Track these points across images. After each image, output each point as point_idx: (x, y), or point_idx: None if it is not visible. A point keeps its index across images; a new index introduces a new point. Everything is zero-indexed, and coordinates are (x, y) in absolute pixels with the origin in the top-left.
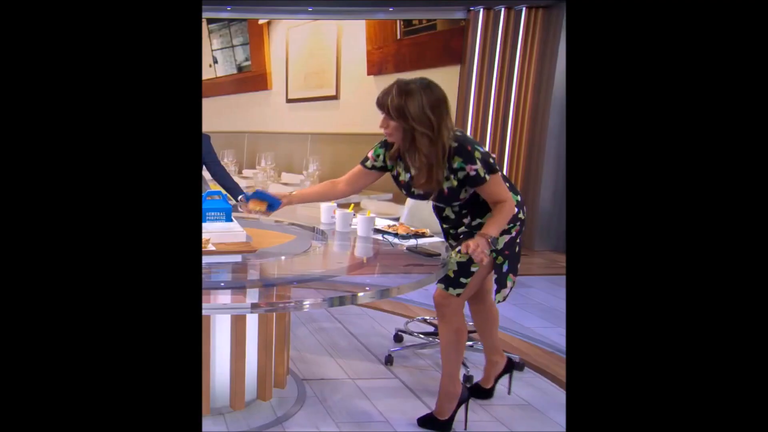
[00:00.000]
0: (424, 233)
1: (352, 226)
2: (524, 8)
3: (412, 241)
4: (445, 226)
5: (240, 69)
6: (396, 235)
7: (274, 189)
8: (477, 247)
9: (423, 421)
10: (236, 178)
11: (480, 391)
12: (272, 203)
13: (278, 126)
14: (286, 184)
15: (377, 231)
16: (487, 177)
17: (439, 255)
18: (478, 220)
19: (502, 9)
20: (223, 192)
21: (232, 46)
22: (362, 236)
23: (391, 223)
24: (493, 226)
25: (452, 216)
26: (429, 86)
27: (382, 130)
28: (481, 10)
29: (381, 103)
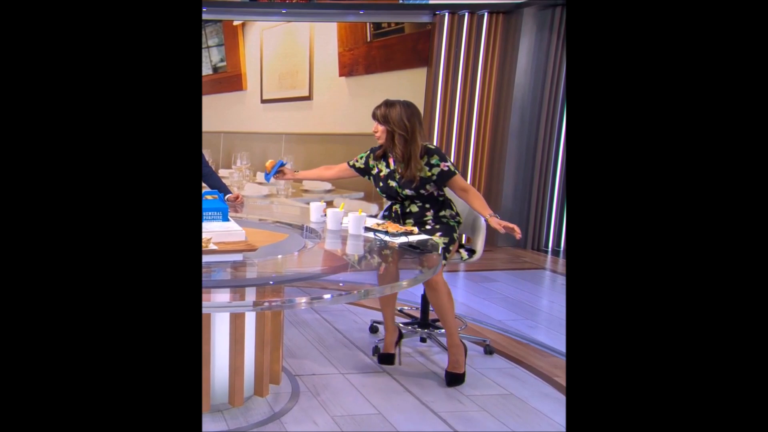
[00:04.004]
0: (412, 231)
1: (343, 225)
2: (486, 13)
3: (403, 238)
4: (407, 221)
5: (215, 70)
6: (387, 232)
7: (249, 189)
8: (508, 225)
9: (450, 382)
10: None
11: (385, 357)
12: (275, 170)
13: (253, 126)
14: (261, 183)
15: (368, 229)
16: (456, 172)
17: (431, 252)
18: (440, 214)
19: (466, 14)
20: (230, 188)
21: (208, 47)
22: (353, 234)
23: (380, 221)
24: (485, 209)
25: (416, 210)
26: (408, 104)
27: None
28: (446, 14)
29: (373, 113)
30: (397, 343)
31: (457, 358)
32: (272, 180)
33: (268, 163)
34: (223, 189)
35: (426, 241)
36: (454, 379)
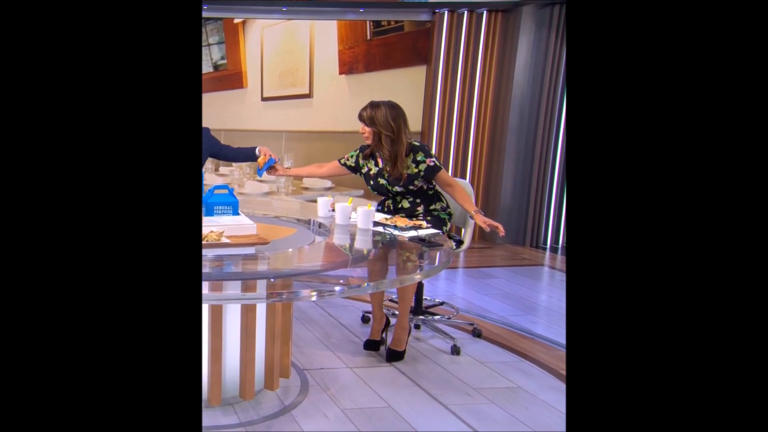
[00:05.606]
0: (421, 225)
1: (352, 220)
2: (485, 11)
3: (412, 232)
4: (400, 216)
5: (216, 67)
6: (395, 227)
7: (250, 186)
8: (492, 224)
9: (390, 358)
10: (213, 176)
11: (370, 344)
12: (267, 166)
13: (254, 124)
14: (261, 181)
15: (377, 224)
16: (441, 167)
17: (441, 245)
18: (430, 207)
19: (465, 12)
20: (231, 186)
21: (209, 45)
22: (362, 229)
23: (388, 216)
24: (470, 204)
25: (408, 206)
26: (392, 105)
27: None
28: (446, 12)
29: (360, 115)
30: (384, 330)
31: (401, 337)
32: (264, 175)
33: (260, 159)
34: (243, 153)
35: (435, 234)
36: (394, 355)
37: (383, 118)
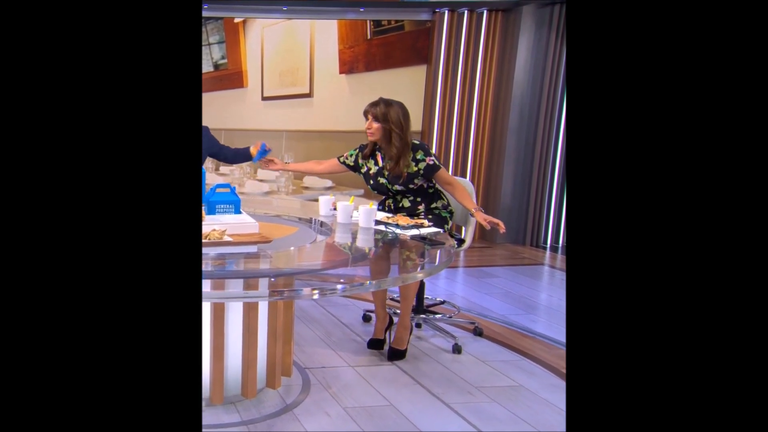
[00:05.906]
0: (423, 224)
1: (353, 218)
2: (485, 11)
3: (414, 231)
4: (401, 215)
5: (216, 67)
6: (398, 225)
7: (250, 185)
8: (493, 221)
9: (392, 357)
10: (213, 176)
11: (374, 343)
12: (260, 153)
13: (254, 123)
14: (262, 180)
15: (378, 222)
16: (441, 166)
17: (443, 243)
18: (431, 206)
19: (465, 11)
20: (232, 185)
21: (209, 44)
22: (364, 227)
23: (389, 215)
24: (470, 202)
25: (408, 205)
26: (402, 105)
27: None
28: (446, 12)
29: (368, 111)
30: (387, 329)
31: (403, 336)
32: (264, 171)
33: (253, 149)
34: (241, 154)
35: (436, 233)
36: (396, 354)
37: (396, 116)
